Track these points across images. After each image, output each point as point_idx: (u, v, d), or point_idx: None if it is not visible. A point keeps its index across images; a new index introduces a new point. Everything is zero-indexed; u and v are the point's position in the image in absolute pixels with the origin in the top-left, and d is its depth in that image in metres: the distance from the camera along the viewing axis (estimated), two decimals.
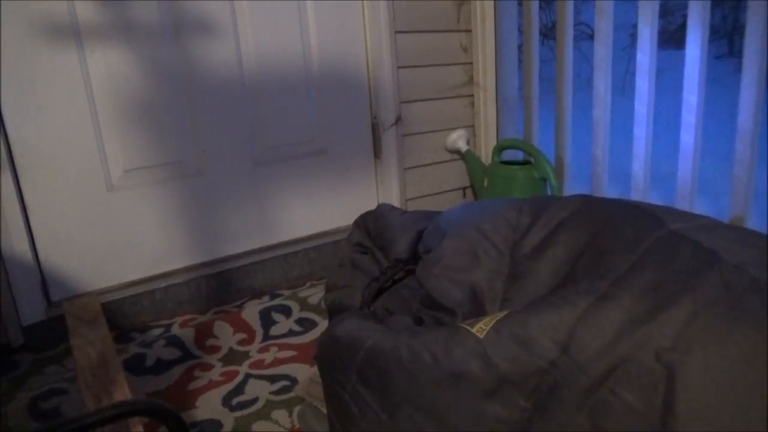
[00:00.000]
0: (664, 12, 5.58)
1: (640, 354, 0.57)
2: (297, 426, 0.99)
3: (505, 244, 0.78)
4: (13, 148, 1.25)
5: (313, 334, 1.31)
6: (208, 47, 1.44)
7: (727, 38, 5.61)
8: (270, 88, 1.55)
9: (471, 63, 1.88)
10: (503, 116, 1.93)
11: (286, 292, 1.57)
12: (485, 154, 1.93)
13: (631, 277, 0.63)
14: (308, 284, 1.63)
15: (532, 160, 1.76)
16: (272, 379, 1.14)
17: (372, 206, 1.78)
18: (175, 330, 1.37)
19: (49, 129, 1.28)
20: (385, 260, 0.95)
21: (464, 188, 1.97)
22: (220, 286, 1.53)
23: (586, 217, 0.75)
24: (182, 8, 1.39)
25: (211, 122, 1.48)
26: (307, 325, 1.36)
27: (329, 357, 0.79)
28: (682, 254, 0.64)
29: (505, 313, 0.66)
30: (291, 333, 1.33)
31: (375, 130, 1.75)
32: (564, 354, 0.60)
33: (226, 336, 1.32)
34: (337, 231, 1.72)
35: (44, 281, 1.33)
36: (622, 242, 0.68)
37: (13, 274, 1.28)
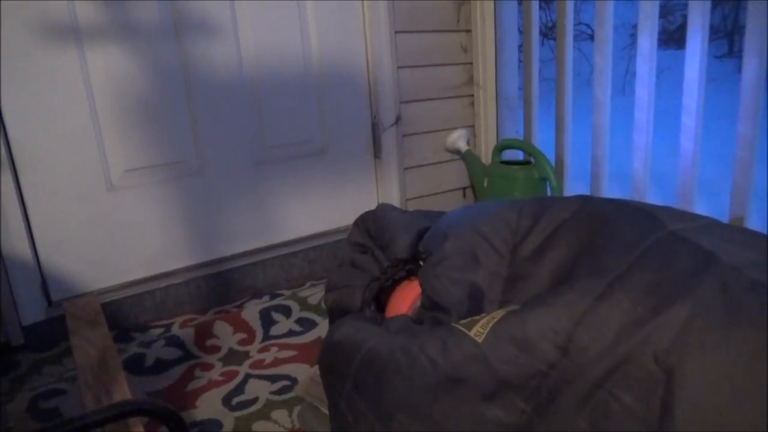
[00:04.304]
0: (664, 12, 5.57)
1: (638, 356, 0.57)
2: (297, 426, 0.99)
3: (504, 247, 0.78)
4: (13, 148, 1.25)
5: (313, 334, 1.31)
6: (208, 47, 1.44)
7: (727, 38, 5.60)
8: (270, 88, 1.55)
9: (471, 63, 1.88)
10: (503, 116, 1.93)
11: (286, 292, 1.57)
12: (485, 154, 1.93)
13: (630, 278, 0.63)
14: (308, 284, 1.63)
15: (532, 160, 1.76)
16: (272, 379, 1.14)
17: (372, 206, 1.77)
18: (175, 330, 1.37)
19: (49, 129, 1.28)
20: (385, 260, 0.94)
21: (464, 188, 1.97)
22: (220, 286, 1.53)
23: (586, 217, 0.75)
24: (182, 8, 1.39)
25: (211, 122, 1.48)
26: (307, 325, 1.36)
27: (328, 363, 0.79)
28: (681, 255, 0.64)
29: (502, 313, 0.66)
30: (291, 333, 1.33)
31: (375, 130, 1.75)
32: (563, 356, 0.60)
33: (226, 336, 1.32)
34: (337, 231, 1.72)
35: (44, 281, 1.33)
36: (622, 243, 0.68)
37: (13, 274, 1.28)
